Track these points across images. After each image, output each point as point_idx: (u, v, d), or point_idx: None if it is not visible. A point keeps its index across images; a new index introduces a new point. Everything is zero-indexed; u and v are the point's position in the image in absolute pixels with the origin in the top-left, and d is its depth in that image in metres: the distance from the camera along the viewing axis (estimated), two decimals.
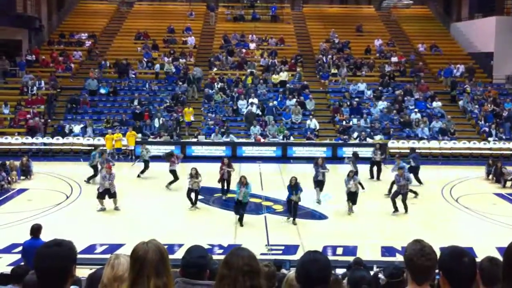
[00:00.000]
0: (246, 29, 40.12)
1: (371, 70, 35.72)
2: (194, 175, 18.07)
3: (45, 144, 28.01)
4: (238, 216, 16.65)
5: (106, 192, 17.88)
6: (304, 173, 21.65)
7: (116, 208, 17.98)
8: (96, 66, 34.69)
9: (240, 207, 16.59)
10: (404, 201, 17.80)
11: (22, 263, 10.01)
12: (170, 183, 20.72)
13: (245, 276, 3.23)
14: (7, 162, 21.91)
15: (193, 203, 18.29)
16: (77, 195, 20.09)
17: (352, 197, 17.78)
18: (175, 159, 21.07)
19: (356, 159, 21.59)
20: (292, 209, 16.82)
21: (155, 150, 25.69)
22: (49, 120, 29.56)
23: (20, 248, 11.65)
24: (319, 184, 19.14)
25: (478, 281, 3.78)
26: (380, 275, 5.90)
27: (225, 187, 19.62)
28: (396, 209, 17.80)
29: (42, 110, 30.45)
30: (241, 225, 16.54)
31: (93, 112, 31.30)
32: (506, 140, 28.91)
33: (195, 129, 29.56)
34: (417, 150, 28.22)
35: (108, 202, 18.12)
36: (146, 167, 22.80)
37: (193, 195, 18.31)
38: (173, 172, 20.76)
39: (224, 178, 19.48)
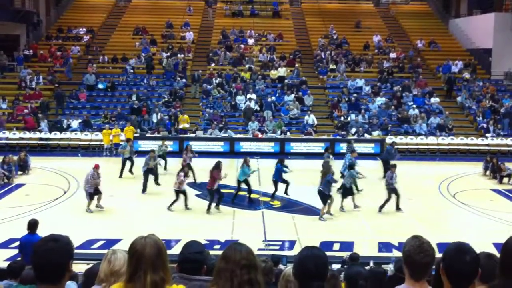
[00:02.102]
0: (245, 24, 40.07)
1: (370, 66, 35.71)
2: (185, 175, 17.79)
3: (42, 139, 27.98)
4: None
5: (96, 192, 17.49)
6: (302, 169, 21.72)
7: (99, 206, 17.66)
8: (95, 61, 34.63)
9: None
10: (397, 198, 17.81)
11: (19, 258, 10.02)
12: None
13: (243, 269, 3.25)
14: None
15: (186, 205, 17.82)
16: (74, 190, 20.06)
17: (348, 192, 17.77)
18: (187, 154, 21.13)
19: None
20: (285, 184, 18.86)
21: (153, 145, 25.61)
22: (44, 123, 29.01)
23: (17, 243, 11.65)
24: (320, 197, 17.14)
25: None
26: (390, 266, 5.95)
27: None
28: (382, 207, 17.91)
29: (39, 105, 30.41)
30: (250, 200, 18.69)
31: (91, 107, 31.26)
32: (504, 136, 28.96)
33: (194, 124, 29.53)
34: (415, 146, 28.44)
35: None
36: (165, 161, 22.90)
37: (181, 197, 17.79)
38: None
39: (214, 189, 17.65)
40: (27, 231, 10.66)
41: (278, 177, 18.90)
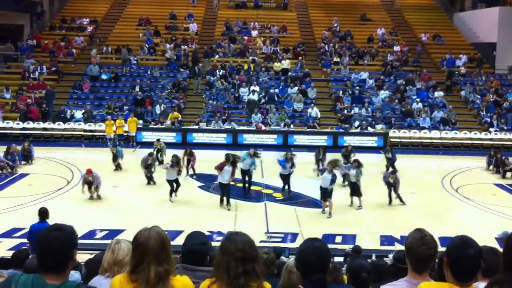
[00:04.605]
0: (248, 16, 39.94)
1: (373, 59, 35.58)
2: (175, 163, 17.72)
3: (46, 129, 28.01)
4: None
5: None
6: (305, 161, 21.70)
7: (98, 196, 17.74)
8: (98, 52, 34.56)
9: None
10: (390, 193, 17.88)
11: (25, 247, 10.05)
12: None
13: (237, 261, 3.27)
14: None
15: (173, 192, 17.79)
16: (78, 180, 20.05)
17: (354, 189, 17.73)
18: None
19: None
20: (286, 182, 18.67)
21: (156, 136, 25.68)
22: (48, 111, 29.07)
23: (21, 232, 11.70)
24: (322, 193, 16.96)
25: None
26: (390, 255, 5.99)
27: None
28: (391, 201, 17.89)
29: (43, 95, 30.39)
30: (248, 192, 18.70)
31: (95, 97, 31.26)
32: (507, 131, 28.86)
33: (197, 116, 29.55)
34: (418, 140, 28.39)
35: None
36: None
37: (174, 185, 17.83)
38: None
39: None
40: (38, 219, 10.67)
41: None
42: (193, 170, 21.18)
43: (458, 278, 3.22)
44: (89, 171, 17.54)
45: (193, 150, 21.37)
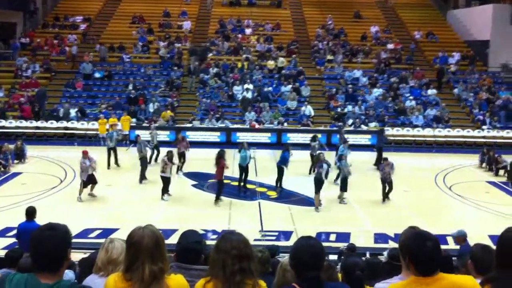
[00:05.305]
0: (242, 14, 39.92)
1: (367, 57, 35.61)
2: (171, 158, 17.68)
3: (39, 128, 27.89)
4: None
5: (90, 179, 17.47)
6: (299, 159, 21.70)
7: (92, 195, 17.70)
8: (91, 50, 34.45)
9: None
10: (389, 189, 17.90)
11: (17, 246, 10.02)
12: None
13: (234, 259, 3.31)
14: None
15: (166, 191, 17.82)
16: (71, 179, 20.03)
17: (344, 183, 17.84)
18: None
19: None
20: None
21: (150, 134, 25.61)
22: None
23: (14, 232, 11.64)
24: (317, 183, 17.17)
25: (469, 267, 3.82)
26: (384, 253, 6.02)
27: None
28: (384, 199, 17.94)
29: (35, 93, 30.23)
30: (245, 186, 18.88)
31: (88, 96, 31.16)
32: (500, 129, 28.98)
33: (190, 114, 29.52)
34: (411, 138, 28.47)
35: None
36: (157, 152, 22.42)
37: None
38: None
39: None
40: (25, 219, 10.64)
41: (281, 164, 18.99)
42: (183, 158, 21.12)
43: (421, 272, 3.21)
44: (85, 153, 17.42)
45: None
